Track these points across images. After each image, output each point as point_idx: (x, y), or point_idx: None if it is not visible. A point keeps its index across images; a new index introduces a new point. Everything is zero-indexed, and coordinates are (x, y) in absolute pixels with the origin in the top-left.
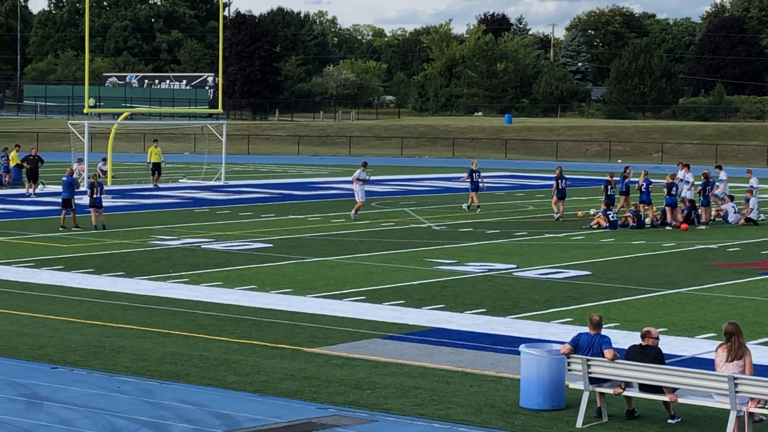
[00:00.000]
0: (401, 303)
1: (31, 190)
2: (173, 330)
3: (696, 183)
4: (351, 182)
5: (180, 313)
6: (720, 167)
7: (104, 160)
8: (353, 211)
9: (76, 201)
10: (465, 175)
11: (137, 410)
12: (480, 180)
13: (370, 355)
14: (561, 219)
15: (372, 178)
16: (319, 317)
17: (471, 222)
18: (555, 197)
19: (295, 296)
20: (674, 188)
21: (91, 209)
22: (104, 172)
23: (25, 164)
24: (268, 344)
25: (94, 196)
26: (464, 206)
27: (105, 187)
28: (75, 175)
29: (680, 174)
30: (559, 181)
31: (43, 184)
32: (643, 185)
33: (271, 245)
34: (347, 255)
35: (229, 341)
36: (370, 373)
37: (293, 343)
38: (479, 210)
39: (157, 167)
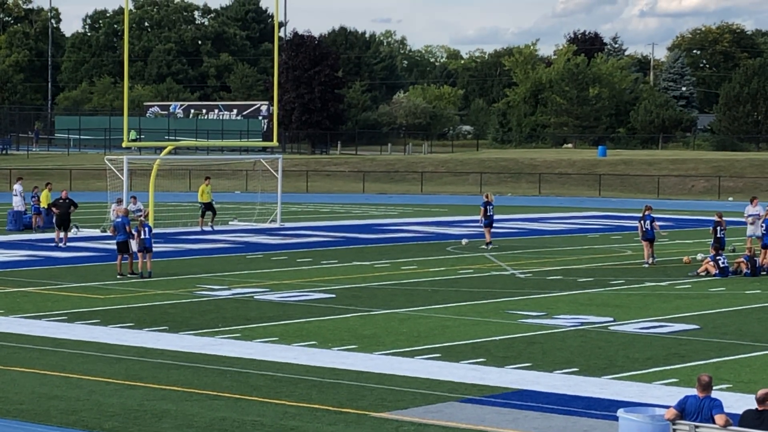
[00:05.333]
0: (481, 361)
1: (62, 236)
2: (223, 392)
3: None
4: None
5: (230, 373)
6: None
7: (134, 198)
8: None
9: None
10: (480, 215)
11: None
12: (492, 213)
13: (447, 421)
14: (648, 265)
15: (445, 219)
16: (388, 377)
17: (560, 269)
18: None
19: (361, 353)
20: None
21: (139, 254)
22: (136, 213)
23: (53, 209)
24: (331, 408)
25: (142, 237)
26: (485, 246)
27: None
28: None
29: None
30: (643, 221)
31: (76, 227)
32: (763, 226)
33: (333, 296)
34: (419, 307)
35: (286, 405)
36: None
37: (359, 407)
38: (490, 247)
39: (209, 207)
